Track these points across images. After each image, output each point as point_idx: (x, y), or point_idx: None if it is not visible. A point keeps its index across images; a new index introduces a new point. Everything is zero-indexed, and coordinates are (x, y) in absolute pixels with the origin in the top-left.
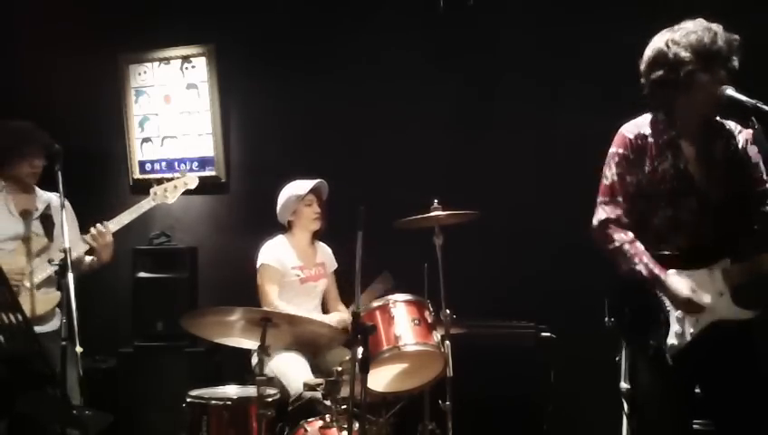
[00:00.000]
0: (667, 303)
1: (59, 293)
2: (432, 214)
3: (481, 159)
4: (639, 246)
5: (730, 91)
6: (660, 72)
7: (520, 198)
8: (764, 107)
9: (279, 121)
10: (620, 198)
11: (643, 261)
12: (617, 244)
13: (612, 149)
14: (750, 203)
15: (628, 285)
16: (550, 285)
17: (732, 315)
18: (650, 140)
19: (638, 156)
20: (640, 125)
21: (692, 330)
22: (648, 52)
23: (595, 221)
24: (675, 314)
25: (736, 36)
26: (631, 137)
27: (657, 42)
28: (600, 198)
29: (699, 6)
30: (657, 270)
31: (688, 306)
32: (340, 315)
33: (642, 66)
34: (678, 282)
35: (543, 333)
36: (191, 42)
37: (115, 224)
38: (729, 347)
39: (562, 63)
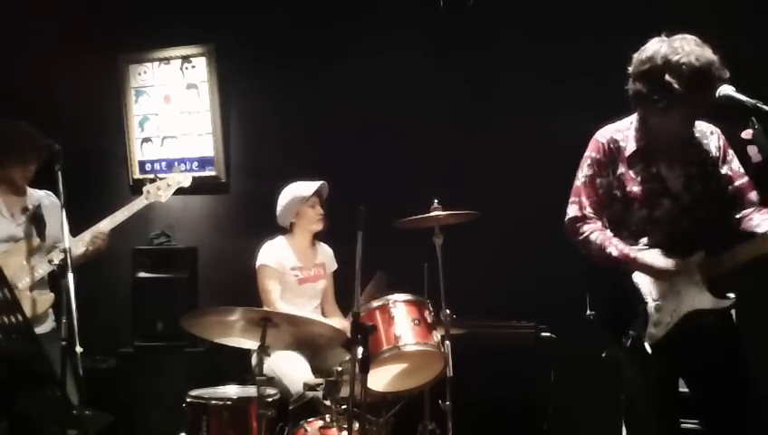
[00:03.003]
0: (645, 294)
1: (52, 294)
2: (432, 214)
3: (481, 158)
4: (608, 232)
5: (730, 92)
6: (645, 88)
7: (520, 198)
8: (764, 107)
9: (279, 121)
10: (587, 198)
11: (612, 243)
12: (585, 233)
13: (586, 153)
14: (725, 199)
15: (607, 279)
16: (550, 285)
17: (707, 305)
18: (623, 144)
19: (610, 159)
20: (614, 130)
21: (669, 320)
22: (642, 57)
23: (566, 219)
24: (652, 305)
25: (725, 72)
26: (604, 142)
27: (654, 53)
28: (570, 198)
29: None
30: (626, 249)
31: (664, 274)
32: (341, 323)
33: (631, 67)
34: (648, 255)
35: (543, 333)
36: (191, 42)
37: (108, 222)
38: (711, 344)
39: (562, 63)
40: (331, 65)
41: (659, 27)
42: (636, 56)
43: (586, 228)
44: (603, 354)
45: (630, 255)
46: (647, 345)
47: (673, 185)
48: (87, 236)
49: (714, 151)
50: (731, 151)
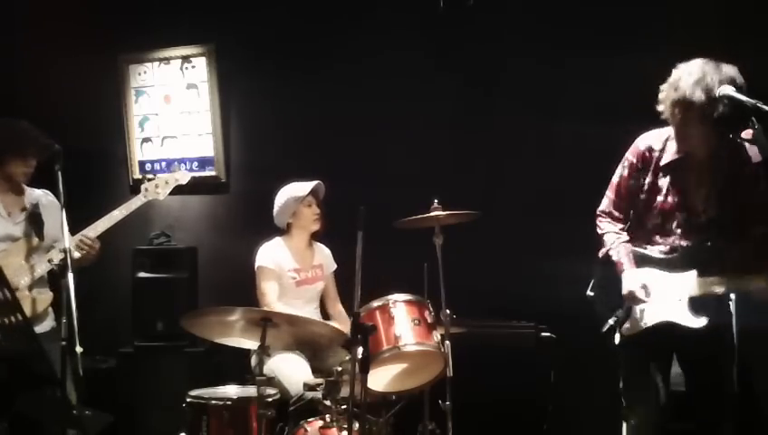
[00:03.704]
0: (635, 292)
1: (51, 293)
2: (432, 214)
3: (481, 158)
4: (618, 237)
5: (730, 92)
6: (660, 111)
7: (520, 198)
8: (764, 107)
9: (279, 121)
10: (617, 196)
11: (616, 248)
12: (602, 231)
13: (626, 154)
14: (737, 227)
15: (610, 270)
16: (550, 285)
17: (682, 321)
18: (657, 154)
19: (643, 166)
20: (655, 138)
21: (646, 321)
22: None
23: (598, 209)
24: (637, 305)
25: (704, 106)
26: (642, 148)
27: (668, 80)
28: (606, 191)
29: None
30: (623, 260)
31: (629, 298)
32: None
33: None
34: (631, 277)
35: (543, 334)
36: (191, 42)
37: (107, 220)
38: (684, 349)
39: (563, 63)
40: (331, 65)
41: (659, 28)
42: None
43: (604, 226)
44: (603, 329)
45: (622, 266)
46: (616, 336)
47: (694, 204)
48: (75, 239)
49: (747, 177)
50: (757, 154)
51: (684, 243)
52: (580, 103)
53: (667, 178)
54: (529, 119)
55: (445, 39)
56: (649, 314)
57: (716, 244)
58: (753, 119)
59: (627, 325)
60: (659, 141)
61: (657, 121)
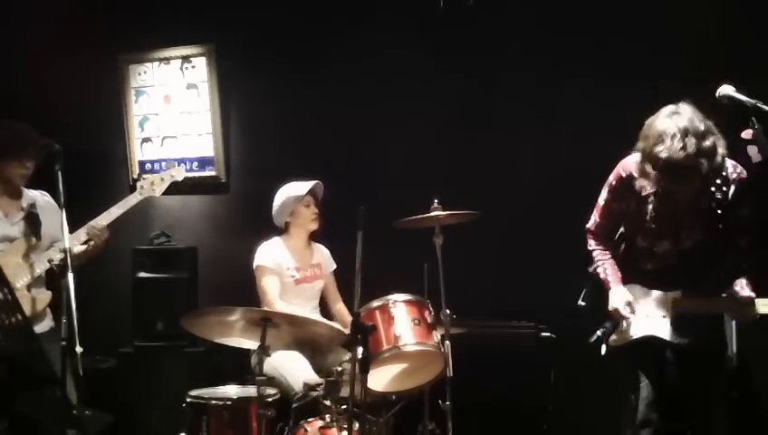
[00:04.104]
0: (620, 310)
1: (50, 293)
2: (432, 214)
3: (481, 159)
4: (605, 255)
5: (730, 92)
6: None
7: (520, 198)
8: (764, 107)
9: (279, 121)
10: (600, 218)
11: (604, 267)
12: (591, 247)
13: (609, 177)
14: (720, 248)
15: (600, 282)
16: (550, 285)
17: (666, 337)
18: (637, 183)
19: (625, 191)
20: (635, 166)
21: (631, 334)
22: (644, 128)
23: (586, 226)
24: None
25: (699, 164)
26: (624, 175)
27: (649, 132)
28: (594, 210)
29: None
30: (609, 278)
31: (615, 315)
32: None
33: None
34: (617, 294)
35: (543, 334)
36: (191, 42)
37: (104, 219)
38: (669, 362)
39: (562, 63)
40: (330, 65)
41: (659, 29)
42: (647, 121)
43: (592, 244)
44: (591, 340)
45: (609, 284)
46: (603, 347)
47: (678, 229)
48: (82, 232)
49: (728, 202)
50: (757, 153)
51: (670, 263)
52: (581, 104)
53: (651, 205)
54: (529, 118)
55: (445, 39)
56: (635, 328)
57: (701, 265)
58: (753, 119)
59: (614, 337)
60: (638, 170)
61: None
